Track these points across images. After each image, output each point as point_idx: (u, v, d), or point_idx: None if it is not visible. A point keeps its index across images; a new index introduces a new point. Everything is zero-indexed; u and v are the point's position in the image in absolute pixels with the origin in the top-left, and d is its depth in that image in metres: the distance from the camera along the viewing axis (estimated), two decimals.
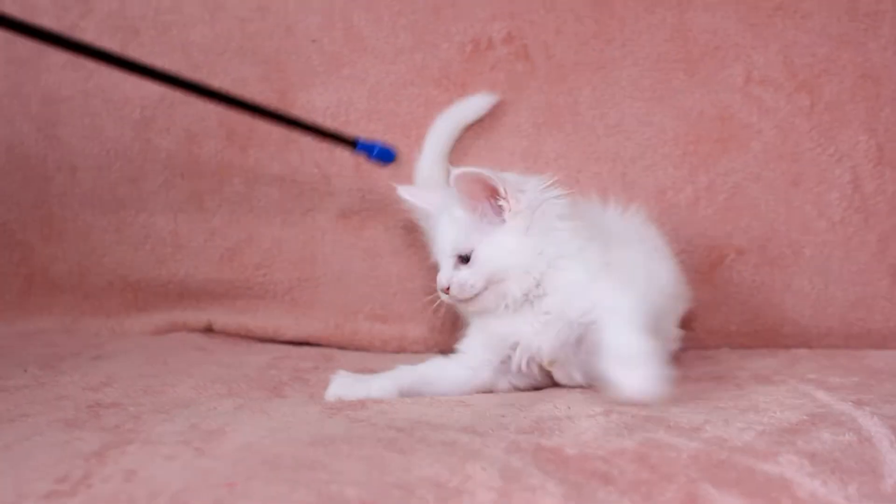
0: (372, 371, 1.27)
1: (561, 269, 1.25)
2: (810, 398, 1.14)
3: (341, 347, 1.69)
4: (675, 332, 1.43)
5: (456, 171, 1.22)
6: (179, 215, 1.76)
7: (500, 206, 1.24)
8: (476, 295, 1.26)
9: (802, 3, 1.62)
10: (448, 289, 1.26)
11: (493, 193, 1.24)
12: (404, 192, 1.42)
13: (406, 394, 1.22)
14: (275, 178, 1.73)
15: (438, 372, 1.28)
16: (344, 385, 1.22)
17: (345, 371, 1.26)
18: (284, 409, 1.11)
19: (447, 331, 1.60)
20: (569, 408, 1.11)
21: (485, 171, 1.22)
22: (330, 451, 0.90)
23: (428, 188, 1.54)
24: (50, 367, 1.39)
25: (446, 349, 1.36)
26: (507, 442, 0.95)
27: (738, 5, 1.63)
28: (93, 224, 1.80)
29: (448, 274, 1.27)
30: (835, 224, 1.60)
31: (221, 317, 1.74)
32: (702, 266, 1.61)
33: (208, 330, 1.74)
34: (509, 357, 1.27)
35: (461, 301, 1.27)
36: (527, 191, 1.25)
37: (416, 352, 1.66)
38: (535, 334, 1.25)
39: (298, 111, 1.70)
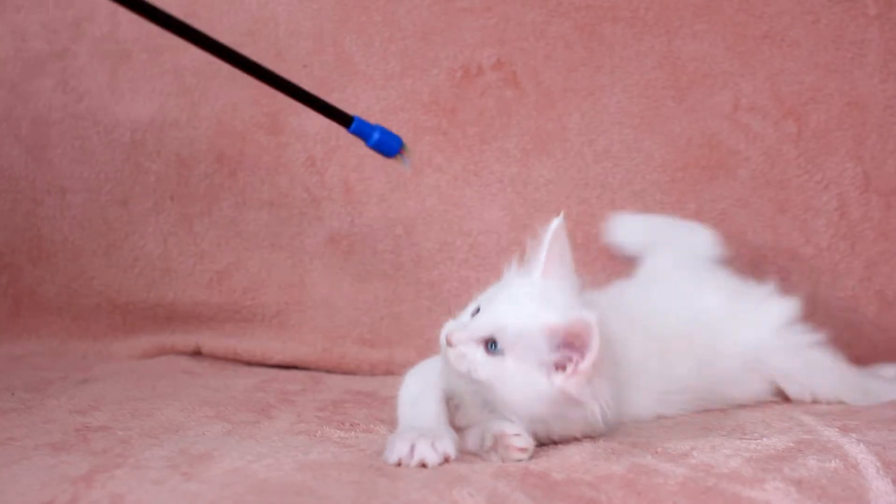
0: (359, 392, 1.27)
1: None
2: (797, 423, 1.15)
3: (329, 371, 1.69)
4: None
5: (586, 317, 0.97)
6: (169, 238, 1.76)
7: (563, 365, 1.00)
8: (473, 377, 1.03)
9: (789, 31, 1.64)
10: (449, 340, 1.04)
11: (574, 348, 0.99)
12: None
13: None
14: (264, 202, 1.73)
15: None
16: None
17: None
18: (272, 434, 1.11)
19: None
20: None
21: (597, 334, 0.96)
22: (318, 477, 0.90)
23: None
24: (37, 391, 1.39)
25: None
26: (494, 467, 0.95)
27: (726, 33, 1.65)
28: (82, 247, 1.79)
29: (460, 329, 1.05)
30: (822, 251, 1.61)
31: (210, 340, 1.74)
32: None
33: (197, 353, 1.73)
34: None
35: (454, 367, 1.04)
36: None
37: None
38: None
39: (288, 136, 1.71)
